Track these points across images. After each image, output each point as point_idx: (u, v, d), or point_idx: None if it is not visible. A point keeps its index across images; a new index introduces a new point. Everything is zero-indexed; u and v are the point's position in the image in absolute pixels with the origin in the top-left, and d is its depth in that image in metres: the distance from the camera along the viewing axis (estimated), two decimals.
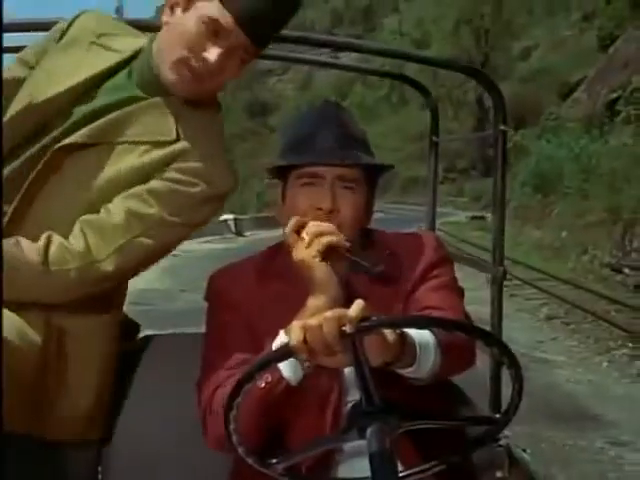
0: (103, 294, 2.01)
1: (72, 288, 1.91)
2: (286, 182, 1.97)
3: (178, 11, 1.93)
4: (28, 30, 2.30)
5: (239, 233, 32.21)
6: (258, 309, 1.90)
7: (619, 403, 7.35)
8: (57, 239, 1.90)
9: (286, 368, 1.70)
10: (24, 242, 1.88)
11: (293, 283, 1.90)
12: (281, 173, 1.99)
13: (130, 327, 2.24)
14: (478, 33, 53.13)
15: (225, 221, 31.79)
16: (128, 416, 2.14)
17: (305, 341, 1.45)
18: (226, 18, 1.87)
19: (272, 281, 1.95)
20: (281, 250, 1.98)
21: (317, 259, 1.78)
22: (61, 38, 2.09)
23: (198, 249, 20.80)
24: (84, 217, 1.92)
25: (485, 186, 40.67)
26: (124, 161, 1.93)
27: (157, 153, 1.93)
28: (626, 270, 14.63)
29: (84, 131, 1.94)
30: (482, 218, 31.33)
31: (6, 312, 1.85)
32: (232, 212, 33.00)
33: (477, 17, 53.35)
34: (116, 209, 1.92)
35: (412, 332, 1.61)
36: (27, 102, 2.00)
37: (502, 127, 2.43)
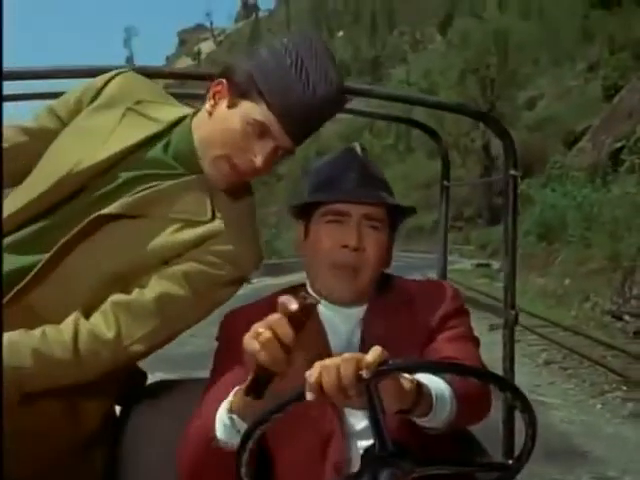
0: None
1: (104, 371, 1.90)
2: (309, 220, 1.98)
3: (223, 104, 1.94)
4: (31, 78, 2.30)
5: (247, 280, 32.73)
6: None
7: (608, 441, 7.60)
8: (85, 326, 1.88)
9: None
10: (51, 333, 1.86)
11: (305, 327, 1.90)
12: (304, 212, 2.01)
13: (137, 374, 2.22)
14: (484, 83, 53.65)
15: None
16: (139, 464, 2.11)
17: (320, 381, 1.44)
18: (271, 121, 1.88)
19: None
20: (296, 294, 1.98)
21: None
22: (95, 97, 2.08)
23: None
24: (115, 298, 1.90)
25: (491, 234, 40.98)
26: (158, 236, 1.93)
27: (192, 232, 1.95)
28: (626, 317, 14.79)
29: (122, 202, 1.94)
30: (487, 266, 31.52)
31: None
32: None
33: (483, 67, 53.89)
34: (150, 292, 1.92)
35: (428, 382, 1.61)
36: (63, 163, 1.99)
37: (513, 172, 2.43)
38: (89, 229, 1.91)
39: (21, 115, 2.33)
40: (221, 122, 1.93)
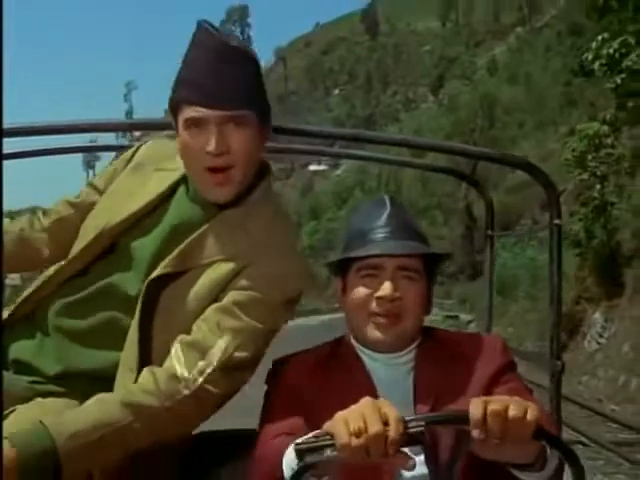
0: None
1: (190, 414, 1.91)
2: (346, 275, 2.00)
3: (179, 135, 2.03)
4: (31, 134, 2.39)
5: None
6: (317, 399, 1.87)
7: None
8: (160, 370, 1.91)
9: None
10: (133, 385, 1.90)
11: (353, 376, 1.92)
12: (341, 267, 2.03)
13: None
14: (468, 145, 55.49)
15: None
16: None
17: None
18: (195, 109, 1.96)
19: (333, 373, 1.94)
20: (341, 346, 2.02)
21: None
22: (126, 166, 2.21)
23: None
24: (181, 338, 1.93)
25: (471, 289, 42.81)
26: (205, 279, 1.98)
27: (229, 265, 1.98)
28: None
29: (167, 262, 1.99)
30: (456, 317, 33.58)
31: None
32: None
33: (469, 130, 55.61)
34: (209, 329, 1.93)
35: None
36: (96, 224, 2.09)
37: (557, 221, 2.40)
38: (150, 295, 1.97)
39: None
40: (181, 146, 2.02)
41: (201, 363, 1.90)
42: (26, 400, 1.99)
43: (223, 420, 2.14)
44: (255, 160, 2.07)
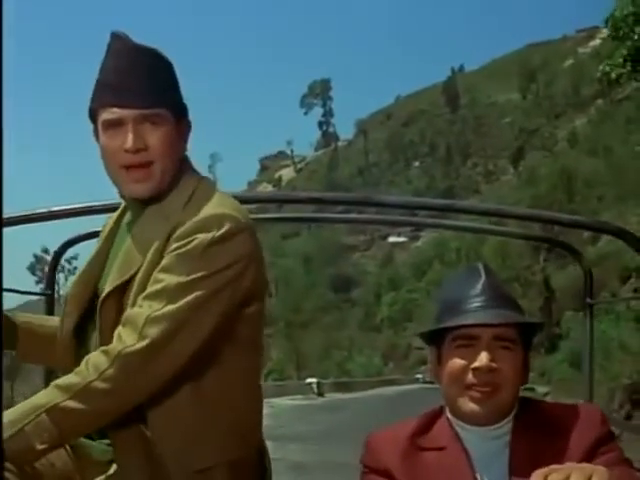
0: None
1: (120, 388, 1.88)
2: (441, 345, 1.96)
3: (98, 141, 2.08)
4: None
5: (320, 394, 37.34)
6: (411, 478, 1.88)
7: None
8: (89, 356, 1.93)
9: None
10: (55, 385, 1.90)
11: (449, 452, 1.90)
12: (435, 337, 1.99)
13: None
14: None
15: (310, 384, 36.90)
16: None
17: None
18: (110, 111, 2.02)
19: (428, 450, 1.93)
20: (436, 419, 1.99)
21: None
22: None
23: (288, 404, 26.21)
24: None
25: (549, 362, 42.83)
26: (144, 275, 2.00)
27: (155, 250, 2.00)
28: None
29: (113, 276, 2.04)
30: (532, 389, 33.51)
31: None
32: (314, 377, 38.59)
33: (549, 203, 55.47)
34: (138, 305, 1.95)
35: None
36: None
37: None
38: (102, 308, 2.02)
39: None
40: (100, 151, 2.08)
41: (127, 334, 1.91)
42: (103, 465, 2.05)
43: None
44: (175, 157, 2.10)
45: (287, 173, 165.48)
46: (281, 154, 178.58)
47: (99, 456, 2.07)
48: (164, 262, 1.96)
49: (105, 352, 1.90)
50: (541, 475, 1.55)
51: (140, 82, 2.03)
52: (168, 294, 1.92)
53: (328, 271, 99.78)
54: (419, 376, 59.85)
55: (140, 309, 1.93)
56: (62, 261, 3.54)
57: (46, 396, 1.89)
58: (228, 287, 1.97)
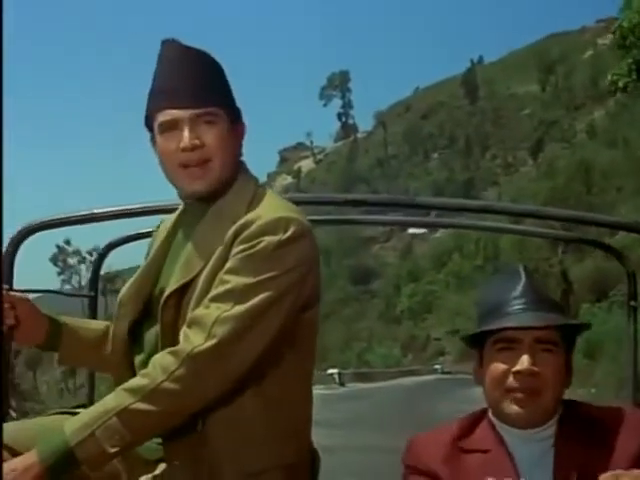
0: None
1: (190, 387, 1.89)
2: (483, 348, 1.97)
3: (156, 146, 2.12)
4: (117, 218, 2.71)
5: (342, 384, 38.50)
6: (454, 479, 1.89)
7: None
8: (156, 357, 1.95)
9: None
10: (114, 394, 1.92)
11: (493, 455, 1.91)
12: (477, 340, 1.99)
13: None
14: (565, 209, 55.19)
15: (331, 374, 37.87)
16: None
17: None
18: (165, 113, 2.05)
19: (471, 452, 1.94)
20: (479, 421, 2.00)
21: None
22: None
23: None
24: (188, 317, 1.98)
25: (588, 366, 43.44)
26: (209, 274, 2.02)
27: (221, 250, 2.01)
28: None
29: (178, 275, 2.06)
30: None
31: None
32: (335, 368, 39.52)
33: (569, 195, 55.61)
34: (204, 305, 1.95)
35: None
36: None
37: None
38: (165, 306, 2.04)
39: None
40: (158, 155, 2.13)
41: (195, 334, 1.91)
42: (151, 464, 2.07)
43: None
44: (231, 156, 2.12)
45: (306, 164, 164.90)
46: (300, 145, 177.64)
47: (148, 455, 2.07)
48: (230, 264, 1.97)
49: (173, 353, 1.91)
50: (609, 478, 1.61)
51: (192, 83, 2.06)
52: (236, 295, 1.93)
53: (348, 263, 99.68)
54: (437, 367, 60.37)
55: (207, 310, 1.94)
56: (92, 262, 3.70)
57: (115, 399, 1.91)
58: (294, 289, 1.99)
